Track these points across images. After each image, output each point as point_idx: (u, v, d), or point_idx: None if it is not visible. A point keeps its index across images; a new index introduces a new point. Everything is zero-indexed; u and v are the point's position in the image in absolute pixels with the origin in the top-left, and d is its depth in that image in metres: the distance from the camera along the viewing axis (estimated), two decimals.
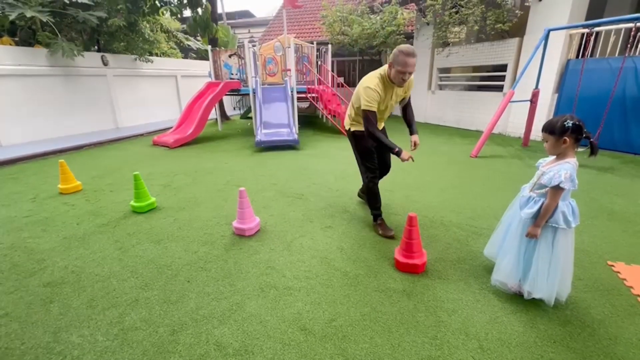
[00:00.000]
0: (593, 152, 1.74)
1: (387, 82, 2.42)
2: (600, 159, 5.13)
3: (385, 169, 3.00)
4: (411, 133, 2.74)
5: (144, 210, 3.36)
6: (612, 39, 5.85)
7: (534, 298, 1.88)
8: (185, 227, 3.00)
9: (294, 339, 1.69)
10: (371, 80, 2.41)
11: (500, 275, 1.98)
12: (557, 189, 1.64)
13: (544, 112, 6.51)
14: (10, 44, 7.14)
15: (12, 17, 6.08)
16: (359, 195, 3.47)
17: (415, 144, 2.65)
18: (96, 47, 9.28)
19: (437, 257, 2.43)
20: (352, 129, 2.76)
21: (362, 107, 2.42)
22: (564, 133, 1.62)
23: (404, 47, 2.25)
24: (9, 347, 1.66)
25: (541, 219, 1.72)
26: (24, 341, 1.70)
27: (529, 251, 1.85)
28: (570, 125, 1.60)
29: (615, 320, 1.78)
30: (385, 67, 2.43)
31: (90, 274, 2.29)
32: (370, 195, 2.84)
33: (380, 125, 2.77)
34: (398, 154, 2.40)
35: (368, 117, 2.42)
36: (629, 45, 4.91)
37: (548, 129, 1.68)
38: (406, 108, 2.76)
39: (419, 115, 10.17)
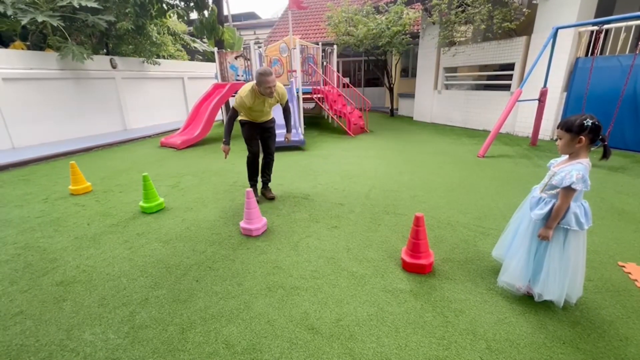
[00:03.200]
0: (605, 155, 1.70)
1: (258, 95, 3.16)
2: (611, 158, 5.02)
3: (268, 153, 3.68)
4: (286, 131, 3.64)
5: (153, 210, 3.40)
6: (622, 36, 5.76)
7: (544, 300, 1.87)
8: (193, 227, 3.04)
9: (301, 338, 1.70)
10: (244, 92, 3.15)
11: (508, 276, 1.95)
12: (568, 190, 1.60)
13: (553, 111, 6.44)
14: (22, 48, 7.29)
15: (24, 22, 6.21)
16: (261, 193, 3.82)
17: (287, 139, 3.66)
18: (105, 50, 9.44)
19: (444, 258, 2.43)
20: (239, 119, 3.43)
21: (233, 105, 3.28)
22: (581, 132, 1.58)
23: (262, 70, 3.01)
24: (24, 344, 1.70)
25: (553, 221, 1.69)
26: (38, 338, 1.74)
27: (539, 253, 1.83)
28: (589, 124, 1.56)
29: (627, 321, 1.76)
30: (254, 84, 3.14)
31: (101, 273, 2.34)
32: (248, 168, 3.68)
33: (267, 118, 3.51)
34: (224, 143, 3.41)
35: (231, 111, 3.31)
36: (639, 43, 4.83)
37: (565, 126, 1.64)
38: (284, 110, 3.55)
39: (425, 116, 10.14)
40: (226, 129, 3.39)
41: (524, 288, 1.95)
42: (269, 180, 3.80)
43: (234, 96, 9.19)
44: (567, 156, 1.73)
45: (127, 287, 2.17)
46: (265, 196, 3.71)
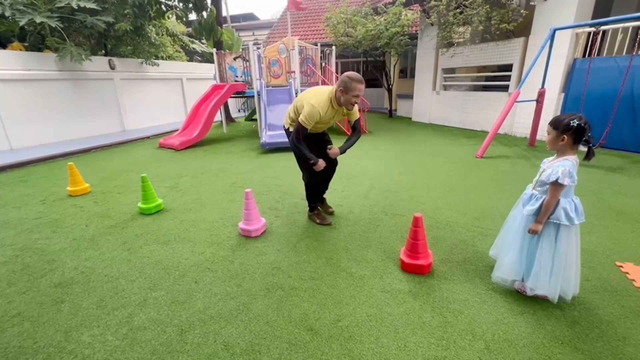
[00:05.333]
0: (588, 156, 1.77)
1: (334, 105, 2.58)
2: (609, 159, 5.08)
3: (332, 163, 3.00)
4: (344, 146, 2.81)
5: (152, 211, 3.40)
6: (619, 37, 5.79)
7: (537, 295, 1.89)
8: (192, 229, 3.03)
9: (301, 339, 1.70)
10: (320, 101, 2.53)
11: (502, 271, 1.99)
12: (556, 185, 1.66)
13: (550, 112, 6.46)
14: (20, 49, 7.28)
15: (22, 22, 6.20)
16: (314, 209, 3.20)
17: (332, 151, 2.79)
18: (103, 51, 9.42)
19: (442, 258, 2.43)
20: (291, 129, 2.81)
21: (299, 120, 2.57)
22: (566, 131, 1.65)
23: (354, 75, 2.41)
24: (22, 346, 1.70)
25: (542, 216, 1.74)
26: (36, 340, 1.73)
27: (531, 247, 1.87)
28: (574, 125, 1.63)
29: (624, 321, 1.77)
30: (331, 91, 2.55)
31: (100, 274, 2.33)
32: (309, 192, 3.09)
33: (321, 130, 2.89)
34: (313, 164, 2.68)
35: (298, 129, 2.61)
36: (636, 44, 4.86)
37: (554, 123, 1.72)
38: (353, 129, 2.87)
39: (423, 116, 10.16)
40: (305, 151, 2.66)
41: (518, 285, 1.98)
42: (326, 191, 3.29)
43: (233, 97, 9.26)
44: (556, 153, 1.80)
45: (125, 288, 2.16)
46: (325, 211, 3.25)
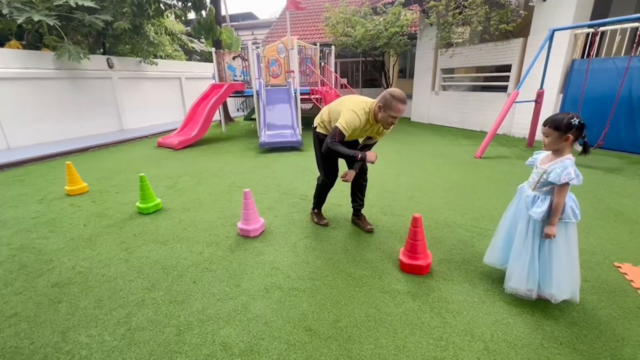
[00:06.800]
0: (585, 151, 1.78)
1: (371, 119, 2.42)
2: (607, 160, 5.09)
3: (362, 172, 2.86)
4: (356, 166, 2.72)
5: (150, 211, 3.38)
6: (617, 38, 5.81)
7: (556, 299, 1.84)
8: (191, 228, 3.02)
9: (299, 339, 1.69)
10: (359, 108, 2.38)
11: (516, 281, 1.88)
12: (565, 186, 1.66)
13: (549, 113, 6.45)
14: (18, 48, 7.24)
15: (20, 21, 6.17)
16: (353, 221, 3.12)
17: (345, 175, 2.65)
18: (102, 50, 9.39)
19: (441, 259, 2.43)
20: (318, 130, 2.70)
21: (337, 125, 2.39)
22: (568, 130, 1.65)
23: (397, 93, 2.23)
24: (19, 347, 1.68)
25: (554, 217, 1.72)
26: (33, 340, 1.72)
27: (543, 251, 1.81)
28: (576, 123, 1.63)
29: (623, 322, 1.77)
30: (371, 103, 2.40)
31: (97, 274, 2.32)
32: (318, 192, 3.03)
33: (353, 139, 2.74)
34: (363, 159, 2.41)
35: (336, 134, 2.40)
36: (634, 45, 4.87)
37: (553, 124, 1.69)
38: (369, 145, 2.77)
39: (422, 117, 10.17)
40: (343, 150, 2.42)
41: (531, 292, 1.87)
42: (363, 206, 3.03)
43: (231, 96, 9.24)
44: (549, 152, 1.80)
45: (123, 288, 2.15)
46: (363, 227, 2.93)
